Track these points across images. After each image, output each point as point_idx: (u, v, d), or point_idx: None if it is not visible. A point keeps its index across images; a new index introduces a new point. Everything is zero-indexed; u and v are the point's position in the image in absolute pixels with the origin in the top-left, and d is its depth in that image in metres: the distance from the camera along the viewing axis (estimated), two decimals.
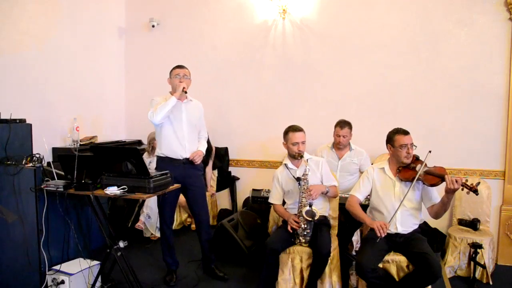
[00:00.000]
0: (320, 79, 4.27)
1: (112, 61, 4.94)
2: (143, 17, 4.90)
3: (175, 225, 4.34)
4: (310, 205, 2.72)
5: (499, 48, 3.66)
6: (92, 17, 4.53)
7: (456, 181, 2.38)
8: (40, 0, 3.86)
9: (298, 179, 2.81)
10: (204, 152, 3.20)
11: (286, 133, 2.93)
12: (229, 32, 4.58)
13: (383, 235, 2.49)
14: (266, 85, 4.47)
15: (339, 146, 3.55)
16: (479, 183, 2.47)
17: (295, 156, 2.88)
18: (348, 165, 3.57)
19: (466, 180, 2.44)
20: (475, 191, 2.39)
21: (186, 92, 3.01)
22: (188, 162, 3.07)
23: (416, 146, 2.66)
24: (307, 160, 2.88)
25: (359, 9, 4.09)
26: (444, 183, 2.47)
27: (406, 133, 2.65)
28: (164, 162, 3.06)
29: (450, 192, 2.43)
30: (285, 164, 2.99)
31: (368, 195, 2.89)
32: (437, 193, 2.65)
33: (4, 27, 3.51)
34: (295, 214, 2.82)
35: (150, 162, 4.25)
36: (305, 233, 2.75)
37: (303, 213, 2.72)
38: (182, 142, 3.05)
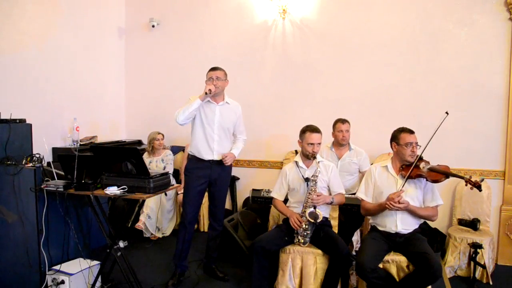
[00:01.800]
0: (320, 79, 4.27)
1: (112, 61, 4.94)
2: (143, 17, 4.90)
3: (175, 225, 4.35)
4: (315, 207, 2.71)
5: (499, 48, 3.66)
6: (92, 17, 4.54)
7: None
8: (40, 0, 3.86)
9: (306, 179, 2.81)
10: (237, 155, 3.19)
11: (303, 132, 2.92)
12: (229, 32, 4.58)
13: (400, 203, 2.51)
14: (266, 85, 4.48)
15: (342, 142, 3.54)
16: (483, 179, 2.52)
17: (309, 156, 2.88)
18: (347, 165, 3.56)
19: (470, 177, 2.50)
20: (479, 187, 2.44)
21: (207, 94, 2.89)
22: (215, 162, 3.09)
23: (420, 146, 2.67)
24: (318, 162, 2.89)
25: (359, 9, 4.10)
26: (447, 179, 2.54)
27: (411, 132, 2.70)
28: (192, 160, 3.11)
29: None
30: (296, 161, 2.99)
31: None
32: (438, 194, 2.68)
33: (4, 27, 3.51)
34: (299, 213, 2.83)
35: (150, 162, 4.26)
36: (305, 233, 2.75)
37: (307, 214, 2.72)
38: (211, 145, 3.06)
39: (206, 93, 2.90)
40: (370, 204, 2.78)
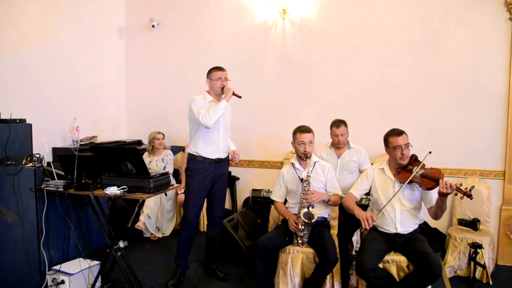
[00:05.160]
0: (320, 78, 4.28)
1: (112, 61, 4.94)
2: (143, 17, 4.90)
3: (175, 225, 4.36)
4: (309, 207, 2.72)
5: (499, 48, 3.66)
6: (92, 17, 4.54)
7: (450, 186, 2.34)
8: (40, 0, 3.86)
9: (302, 180, 2.82)
10: None
11: (294, 133, 2.95)
12: (229, 32, 4.58)
13: (367, 227, 2.48)
14: (266, 85, 4.48)
15: (339, 145, 3.55)
16: (473, 187, 2.42)
17: (301, 157, 2.90)
18: (347, 164, 3.56)
19: (461, 185, 2.38)
20: (469, 196, 2.34)
21: (240, 97, 3.06)
22: (219, 160, 3.12)
23: (412, 146, 2.65)
24: (314, 163, 2.89)
25: (359, 9, 4.10)
26: None
27: (400, 133, 2.63)
28: (196, 160, 3.10)
29: (443, 195, 2.41)
30: (292, 163, 3.00)
31: (368, 195, 2.89)
32: (437, 194, 2.64)
33: (4, 26, 3.51)
34: (295, 214, 2.83)
35: (150, 162, 4.26)
36: (301, 234, 2.75)
37: (301, 215, 2.72)
38: (217, 143, 3.10)
39: (240, 97, 3.04)
40: (352, 202, 2.72)
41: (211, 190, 3.18)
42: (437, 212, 2.55)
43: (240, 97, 3.05)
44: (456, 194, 2.39)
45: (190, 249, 3.17)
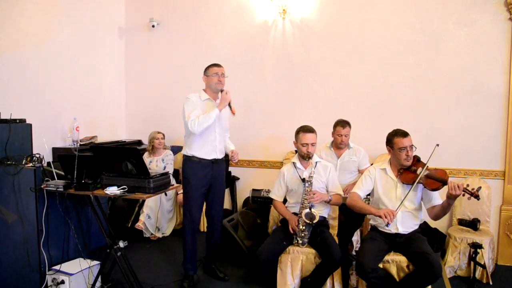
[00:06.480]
0: (320, 79, 4.28)
1: (112, 61, 4.94)
2: (143, 17, 4.90)
3: (175, 225, 4.36)
4: (310, 208, 2.72)
5: (499, 48, 3.66)
6: (92, 17, 4.54)
7: (458, 187, 2.34)
8: (40, 0, 3.86)
9: (304, 180, 2.82)
10: None
11: (297, 132, 2.94)
12: (229, 32, 4.58)
13: (390, 222, 2.45)
14: (266, 85, 4.48)
15: (341, 145, 3.55)
16: (480, 187, 2.42)
17: (304, 157, 2.90)
18: (347, 164, 3.56)
19: (467, 185, 2.39)
20: (477, 197, 2.35)
21: (234, 114, 2.98)
22: (215, 161, 3.08)
23: (416, 148, 2.65)
24: (316, 163, 2.89)
25: (359, 9, 4.10)
26: (445, 186, 2.44)
27: (405, 135, 2.62)
28: (191, 161, 3.04)
29: (451, 197, 2.40)
30: (293, 162, 3.00)
31: (369, 195, 2.89)
32: (438, 194, 2.63)
33: (4, 26, 3.51)
34: (295, 213, 2.83)
35: (151, 162, 4.26)
36: (302, 234, 2.75)
37: (303, 215, 2.72)
38: (213, 144, 3.05)
39: (233, 112, 2.96)
40: (362, 202, 2.70)
41: (209, 192, 3.14)
42: (439, 214, 2.55)
43: (233, 113, 2.97)
44: (463, 195, 2.39)
45: (196, 251, 3.15)
